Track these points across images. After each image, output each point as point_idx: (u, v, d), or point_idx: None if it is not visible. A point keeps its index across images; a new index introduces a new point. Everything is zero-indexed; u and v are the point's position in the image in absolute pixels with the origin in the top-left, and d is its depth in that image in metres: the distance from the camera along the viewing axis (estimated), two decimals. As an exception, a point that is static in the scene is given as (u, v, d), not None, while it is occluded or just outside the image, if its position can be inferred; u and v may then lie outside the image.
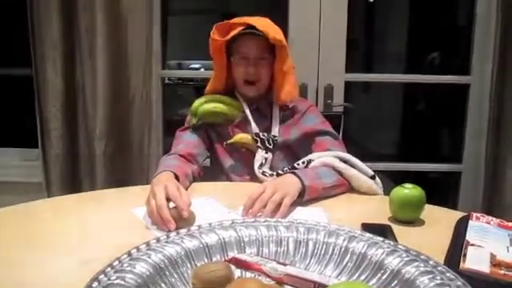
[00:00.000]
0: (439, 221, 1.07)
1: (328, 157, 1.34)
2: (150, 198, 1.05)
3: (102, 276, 0.65)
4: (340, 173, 1.29)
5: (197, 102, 1.53)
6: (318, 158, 1.34)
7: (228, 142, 1.49)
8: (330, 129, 1.52)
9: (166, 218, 0.97)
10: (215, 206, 1.14)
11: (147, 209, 1.05)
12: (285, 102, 1.52)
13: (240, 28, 1.43)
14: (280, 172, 1.36)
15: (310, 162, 1.33)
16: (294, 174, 1.22)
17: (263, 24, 1.45)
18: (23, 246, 0.92)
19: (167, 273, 0.70)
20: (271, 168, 1.46)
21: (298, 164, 1.34)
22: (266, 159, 1.46)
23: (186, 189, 1.28)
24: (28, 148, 2.35)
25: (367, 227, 0.97)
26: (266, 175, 1.39)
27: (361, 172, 1.31)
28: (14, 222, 1.06)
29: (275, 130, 1.51)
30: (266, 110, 1.55)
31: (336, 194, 1.27)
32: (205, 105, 1.52)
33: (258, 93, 1.54)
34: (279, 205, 1.07)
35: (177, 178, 1.21)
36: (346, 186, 1.30)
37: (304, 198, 1.17)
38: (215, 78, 1.57)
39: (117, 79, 2.08)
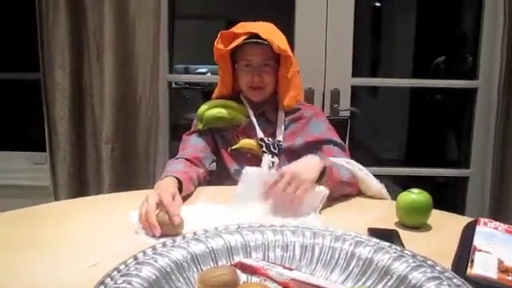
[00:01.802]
0: (446, 226, 1.07)
1: (340, 160, 1.34)
2: (144, 202, 1.06)
3: (108, 280, 0.65)
4: (352, 173, 1.30)
5: (203, 108, 1.54)
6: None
7: (233, 147, 1.50)
8: (336, 138, 1.51)
9: (152, 223, 0.98)
10: (214, 212, 1.14)
11: (138, 213, 1.06)
12: (290, 107, 1.53)
13: (244, 37, 1.44)
14: None
15: None
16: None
17: (267, 31, 1.46)
18: (30, 248, 0.93)
19: (173, 277, 0.70)
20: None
21: None
22: (273, 163, 1.46)
23: (192, 192, 1.30)
24: (36, 152, 2.37)
25: (374, 232, 0.96)
26: None
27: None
28: (21, 225, 1.07)
29: (280, 136, 1.51)
30: (271, 115, 1.55)
31: (343, 196, 1.26)
32: (210, 110, 1.52)
33: (263, 98, 1.54)
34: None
35: (180, 182, 1.21)
36: (356, 187, 1.30)
37: (322, 180, 1.18)
38: (221, 84, 1.58)
39: (124, 83, 2.09)
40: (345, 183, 1.26)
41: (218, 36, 1.49)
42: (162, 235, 0.96)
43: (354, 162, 1.34)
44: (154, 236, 0.96)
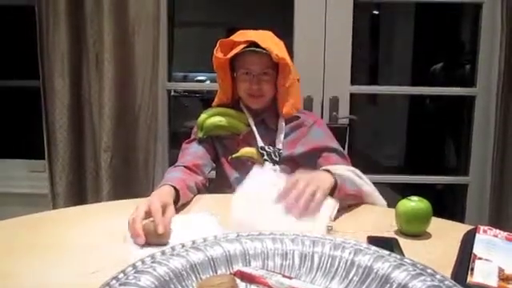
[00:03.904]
0: (446, 234, 1.06)
1: (344, 170, 1.33)
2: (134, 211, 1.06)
3: (106, 289, 0.65)
4: (357, 185, 1.29)
5: (203, 116, 1.54)
6: (334, 170, 1.32)
7: (233, 156, 1.50)
8: (337, 145, 1.52)
9: (136, 231, 0.98)
10: (206, 223, 1.12)
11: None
12: (288, 114, 1.53)
13: (242, 45, 1.45)
14: None
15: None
16: (327, 171, 1.22)
17: (266, 40, 1.46)
18: (28, 257, 0.92)
19: (172, 286, 0.70)
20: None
21: None
22: (275, 171, 1.45)
23: (190, 200, 1.30)
24: (35, 160, 2.36)
25: (373, 240, 0.96)
26: None
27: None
28: (19, 233, 1.07)
29: (279, 144, 1.51)
30: (271, 123, 1.56)
31: (346, 205, 1.26)
32: (211, 118, 1.53)
33: (262, 105, 1.54)
34: (312, 198, 1.06)
35: (177, 191, 1.21)
36: (360, 199, 1.30)
37: (334, 195, 1.16)
38: (221, 92, 1.58)
39: (123, 91, 2.10)
40: (350, 196, 1.24)
41: (217, 44, 1.49)
42: (147, 244, 0.96)
43: (357, 171, 1.34)
44: (140, 244, 0.96)
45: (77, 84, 2.12)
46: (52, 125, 2.12)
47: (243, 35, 1.48)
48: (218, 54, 1.48)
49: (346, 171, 1.32)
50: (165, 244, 0.97)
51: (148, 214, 1.03)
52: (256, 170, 1.19)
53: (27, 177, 2.38)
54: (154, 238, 0.97)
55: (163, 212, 1.05)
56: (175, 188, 1.21)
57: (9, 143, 2.69)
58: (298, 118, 1.56)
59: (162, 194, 1.17)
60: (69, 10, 2.05)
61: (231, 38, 1.49)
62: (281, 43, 1.52)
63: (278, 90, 1.51)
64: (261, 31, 1.52)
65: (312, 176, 1.14)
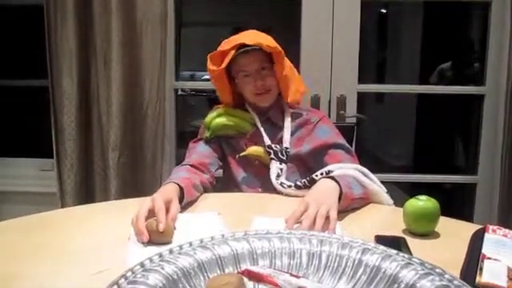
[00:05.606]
0: (454, 233, 1.06)
1: (349, 169, 1.32)
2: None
3: (115, 287, 0.65)
4: (363, 187, 1.28)
5: (210, 116, 1.55)
6: (339, 168, 1.32)
7: (240, 154, 1.50)
8: (343, 141, 1.51)
9: (139, 229, 0.99)
10: (212, 222, 1.12)
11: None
12: (295, 101, 1.53)
13: (232, 52, 1.45)
14: (298, 183, 1.35)
15: (328, 172, 1.31)
16: (332, 178, 1.20)
17: (252, 37, 1.47)
18: (36, 255, 0.93)
19: (180, 285, 0.70)
20: (286, 179, 1.45)
21: (317, 175, 1.32)
22: (281, 170, 1.46)
23: (196, 199, 1.30)
24: (43, 158, 2.38)
25: (381, 239, 0.96)
26: (284, 186, 1.39)
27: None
28: (27, 232, 1.07)
29: (287, 142, 1.51)
30: (277, 119, 1.55)
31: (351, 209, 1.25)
32: (218, 118, 1.53)
33: (271, 101, 1.55)
34: (327, 218, 1.03)
35: (182, 189, 1.21)
36: (368, 201, 1.29)
37: (340, 203, 1.14)
38: (222, 101, 1.60)
39: (131, 90, 2.11)
40: (357, 199, 1.23)
41: (208, 59, 1.50)
42: (151, 242, 0.97)
43: (364, 169, 1.34)
44: (142, 242, 0.97)
45: (85, 83, 2.13)
46: (60, 124, 2.13)
47: (229, 42, 1.49)
48: (211, 67, 1.49)
49: (352, 170, 1.31)
50: (168, 242, 0.97)
51: (152, 212, 1.03)
52: (258, 219, 1.12)
53: (36, 175, 2.39)
54: (157, 236, 0.98)
55: (167, 209, 1.06)
56: (180, 186, 1.22)
57: (18, 142, 2.71)
58: (302, 114, 1.56)
59: (166, 191, 1.17)
60: (77, 10, 2.06)
61: (218, 49, 1.50)
62: (267, 35, 1.51)
63: (279, 80, 1.51)
64: (245, 32, 1.53)
65: (319, 194, 1.13)
